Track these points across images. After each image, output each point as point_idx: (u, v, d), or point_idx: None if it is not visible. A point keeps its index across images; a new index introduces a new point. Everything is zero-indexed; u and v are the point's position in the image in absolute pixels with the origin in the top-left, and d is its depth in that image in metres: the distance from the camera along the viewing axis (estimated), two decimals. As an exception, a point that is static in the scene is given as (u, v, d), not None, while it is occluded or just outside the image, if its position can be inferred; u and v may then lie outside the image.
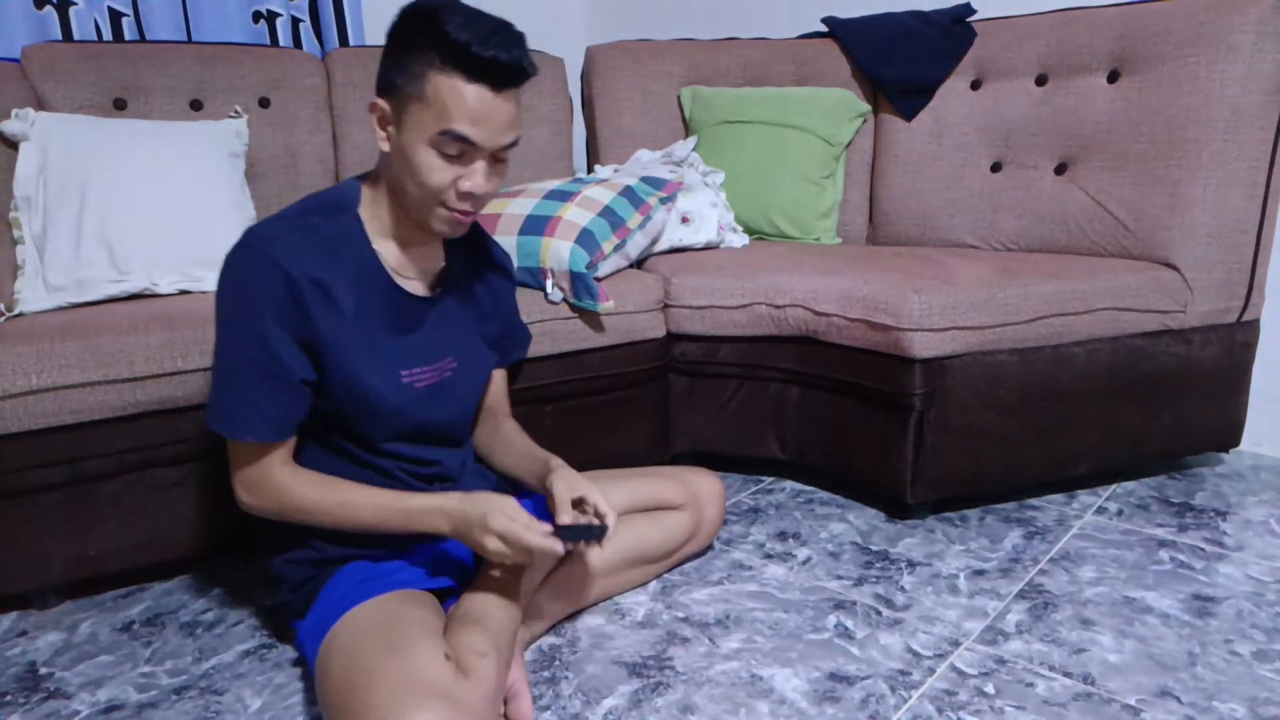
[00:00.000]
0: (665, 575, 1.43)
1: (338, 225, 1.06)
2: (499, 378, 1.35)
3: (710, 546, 1.53)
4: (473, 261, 1.23)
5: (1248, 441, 1.94)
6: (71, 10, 1.93)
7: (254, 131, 1.84)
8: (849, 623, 1.29)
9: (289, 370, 1.01)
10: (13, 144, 1.56)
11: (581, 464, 1.21)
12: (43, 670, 1.21)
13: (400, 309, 1.10)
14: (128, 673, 1.20)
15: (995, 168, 1.95)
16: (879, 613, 1.32)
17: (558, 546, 1.01)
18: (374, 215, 1.09)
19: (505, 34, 0.96)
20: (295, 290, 0.99)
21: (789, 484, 1.82)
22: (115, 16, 2.00)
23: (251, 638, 1.28)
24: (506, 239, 1.58)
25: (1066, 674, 1.15)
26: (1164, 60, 1.69)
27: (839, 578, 1.43)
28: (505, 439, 1.28)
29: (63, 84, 1.67)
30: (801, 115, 2.07)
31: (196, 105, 1.81)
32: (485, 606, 1.08)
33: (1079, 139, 1.80)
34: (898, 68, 2.05)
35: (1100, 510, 1.66)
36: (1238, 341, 1.71)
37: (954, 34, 2.00)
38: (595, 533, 1.06)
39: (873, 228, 2.16)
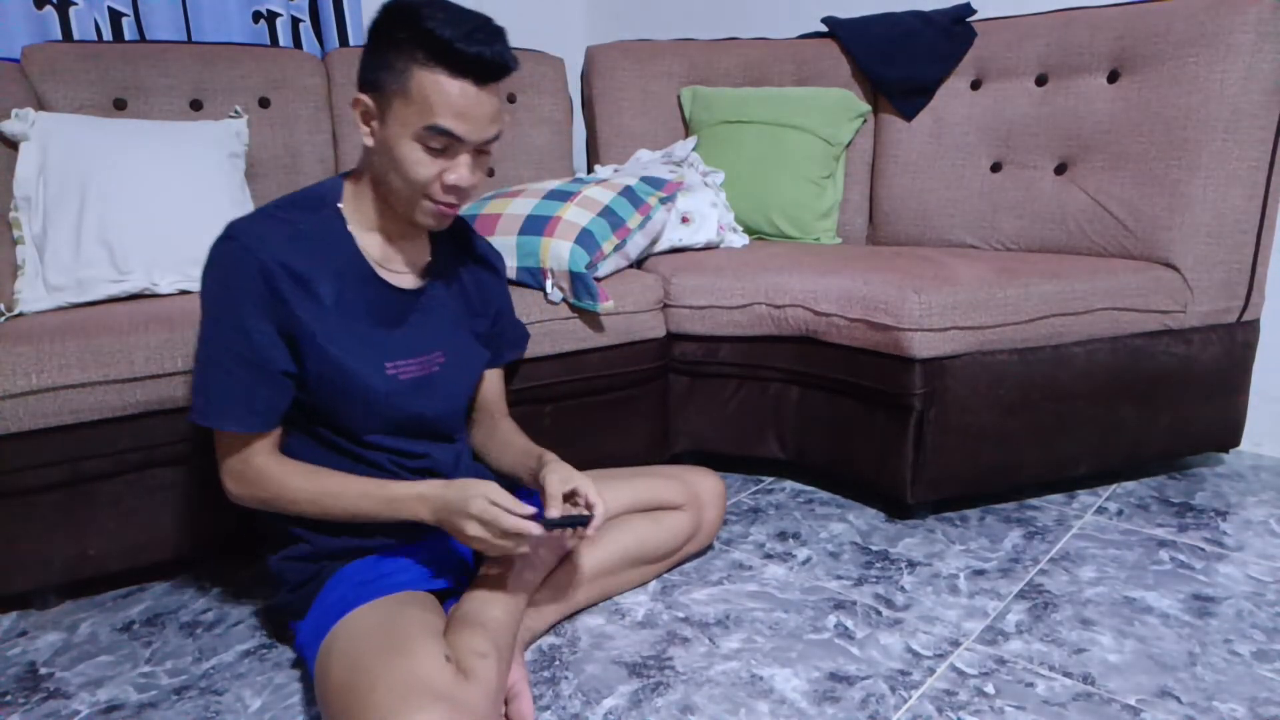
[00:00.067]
0: (665, 575, 1.43)
1: (319, 219, 1.08)
2: (495, 377, 1.35)
3: (710, 546, 1.53)
4: (460, 257, 1.24)
5: (1248, 441, 1.94)
6: (71, 10, 1.93)
7: (254, 131, 1.84)
8: (849, 623, 1.29)
9: (269, 361, 1.03)
10: (13, 144, 1.56)
11: (581, 464, 1.21)
12: (43, 670, 1.21)
13: (384, 301, 1.11)
14: (128, 673, 1.20)
15: (995, 168, 1.95)
16: (879, 613, 1.32)
17: (534, 528, 1.00)
18: (357, 209, 1.11)
19: (487, 30, 0.98)
20: (274, 281, 1.01)
21: (789, 484, 1.82)
22: (115, 16, 2.00)
23: (251, 638, 1.28)
24: (506, 239, 1.58)
25: (1066, 674, 1.16)
26: (1164, 60, 1.69)
27: (839, 578, 1.43)
28: (502, 438, 1.28)
29: (63, 84, 1.67)
30: (801, 115, 2.07)
31: (196, 105, 1.81)
32: (485, 607, 1.08)
33: (1079, 139, 1.80)
34: (898, 68, 2.05)
35: (1100, 510, 1.66)
36: (1238, 341, 1.71)
37: (954, 34, 2.01)
38: (581, 521, 1.06)
39: (873, 228, 2.16)
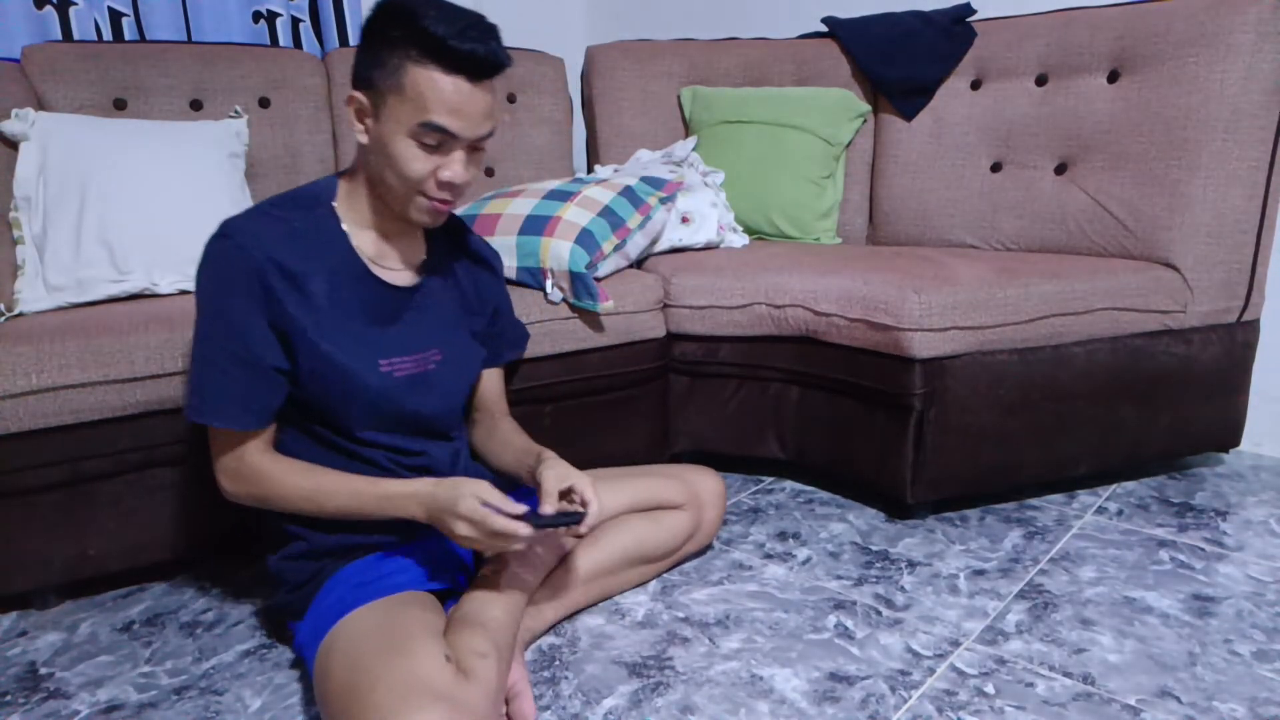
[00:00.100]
0: (665, 575, 1.43)
1: (312, 217, 1.09)
2: (495, 377, 1.35)
3: (710, 546, 1.53)
4: (456, 255, 1.24)
5: (1248, 441, 1.94)
6: (71, 10, 1.93)
7: (254, 131, 1.84)
8: (849, 623, 1.29)
9: (262, 358, 1.03)
10: (13, 144, 1.56)
11: (582, 464, 1.21)
12: (43, 670, 1.21)
13: (378, 299, 1.12)
14: (128, 673, 1.20)
15: (995, 168, 1.95)
16: (879, 613, 1.32)
17: (522, 529, 0.99)
18: (351, 207, 1.11)
19: (480, 27, 0.99)
20: (266, 278, 1.02)
21: (789, 484, 1.82)
22: (115, 16, 2.00)
23: (251, 638, 1.28)
24: (506, 239, 1.58)
25: (1066, 674, 1.15)
26: (1164, 60, 1.69)
27: (839, 578, 1.43)
28: (502, 437, 1.28)
29: (63, 84, 1.67)
30: (801, 115, 2.07)
31: (196, 105, 1.81)
32: (485, 607, 1.08)
33: (1079, 139, 1.80)
34: (898, 68, 2.05)
35: (1100, 510, 1.66)
36: (1238, 341, 1.71)
37: (954, 34, 2.01)
38: (574, 519, 1.05)
39: (873, 228, 2.16)
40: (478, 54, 0.98)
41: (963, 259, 1.72)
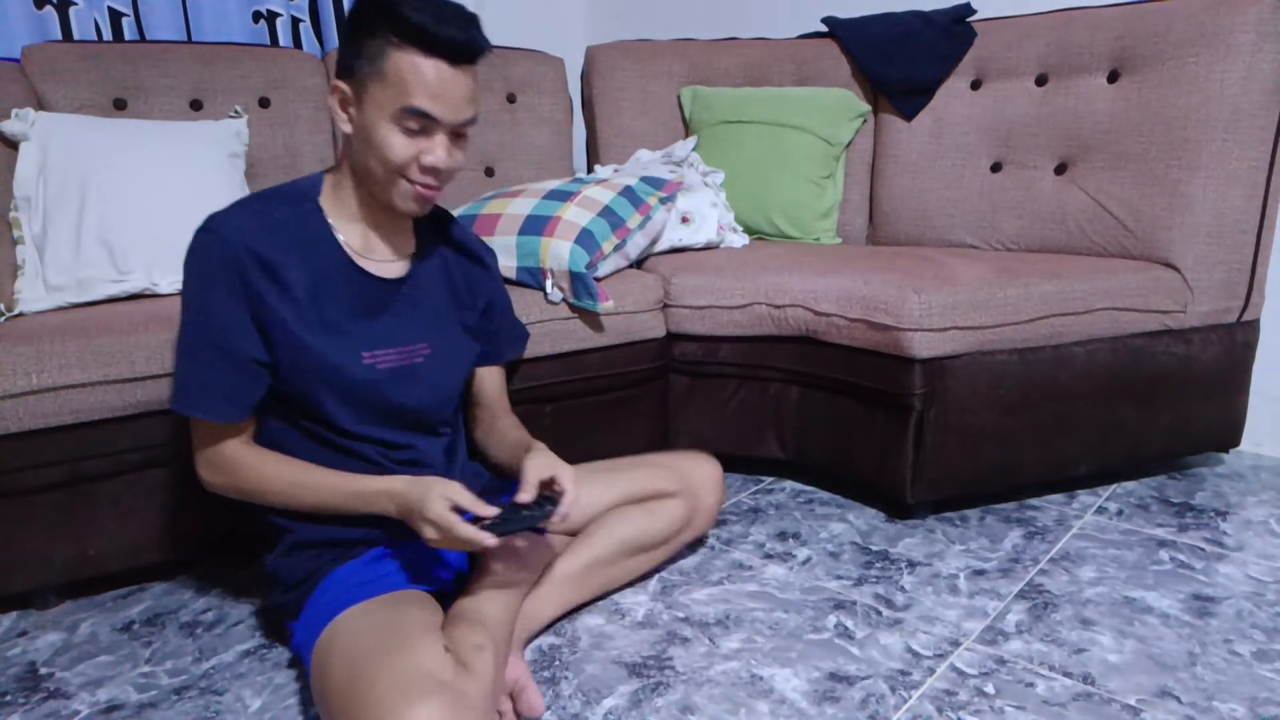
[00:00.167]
0: (665, 575, 1.43)
1: (297, 212, 1.10)
2: (495, 375, 1.35)
3: (704, 539, 1.53)
4: (448, 249, 1.25)
5: (1248, 441, 1.94)
6: (71, 10, 1.93)
7: (254, 131, 1.84)
8: (849, 623, 1.29)
9: (241, 350, 1.04)
10: (13, 144, 1.56)
11: (581, 463, 1.21)
12: (43, 670, 1.21)
13: (364, 291, 1.12)
14: (128, 673, 1.20)
15: (995, 168, 1.95)
16: (879, 613, 1.32)
17: (488, 540, 0.99)
18: (336, 201, 1.12)
19: (459, 13, 1.01)
20: (246, 270, 1.03)
21: (789, 484, 1.82)
22: (115, 16, 2.00)
23: (251, 638, 1.28)
24: (506, 239, 1.58)
25: (1066, 674, 1.15)
26: (1164, 60, 1.69)
27: (839, 578, 1.43)
28: (499, 433, 1.29)
29: (63, 84, 1.67)
30: (801, 115, 2.07)
31: (196, 105, 1.81)
32: (481, 605, 1.08)
33: (1079, 139, 1.80)
34: (898, 68, 2.05)
35: (1100, 510, 1.66)
36: (1238, 341, 1.71)
37: (954, 34, 2.01)
38: (547, 511, 1.05)
39: (873, 228, 2.16)
40: (457, 39, 0.99)
41: (963, 259, 1.73)
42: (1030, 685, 1.13)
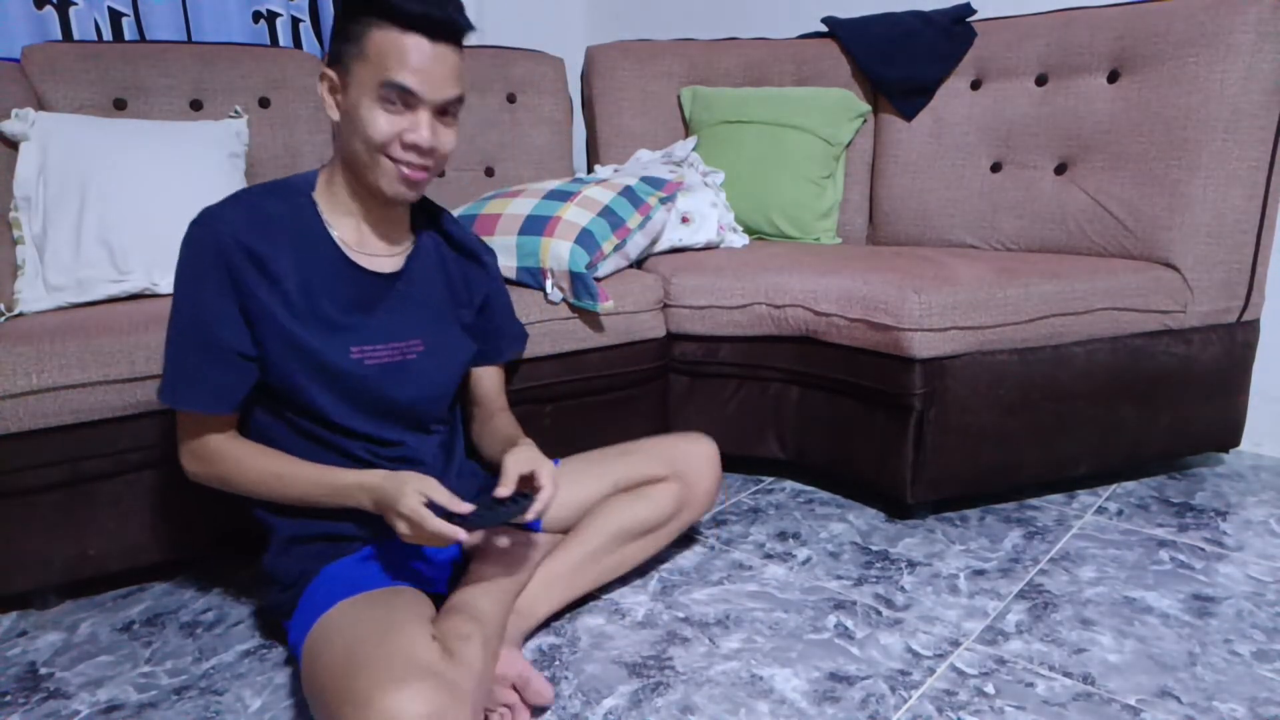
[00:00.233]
0: (665, 575, 1.43)
1: (291, 205, 1.10)
2: (493, 374, 1.35)
3: (704, 540, 1.53)
4: (445, 247, 1.25)
5: (1248, 441, 1.94)
6: (71, 10, 1.93)
7: (254, 131, 1.84)
8: (849, 623, 1.29)
9: (227, 343, 1.05)
10: (13, 144, 1.56)
11: (572, 455, 1.20)
12: (43, 670, 1.21)
13: (356, 286, 1.12)
14: (128, 673, 1.20)
15: (995, 168, 1.95)
16: (879, 613, 1.32)
17: (459, 534, 0.99)
18: (330, 195, 1.13)
19: None
20: (234, 263, 1.04)
21: (789, 484, 1.82)
22: (115, 16, 2.00)
23: (251, 638, 1.28)
24: (506, 239, 1.58)
25: (1066, 674, 1.16)
26: (1164, 60, 1.69)
27: (839, 578, 1.43)
28: (493, 430, 1.29)
29: (63, 84, 1.67)
30: (801, 115, 2.07)
31: (196, 105, 1.81)
32: (471, 598, 1.09)
33: (1079, 139, 1.80)
34: (898, 68, 2.05)
35: (1100, 510, 1.66)
36: (1238, 341, 1.71)
37: (954, 34, 2.01)
38: (522, 507, 1.05)
39: (873, 228, 2.16)
40: (433, 14, 1.00)
41: (963, 259, 1.73)
42: (1030, 685, 1.13)
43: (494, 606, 1.09)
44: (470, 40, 1.09)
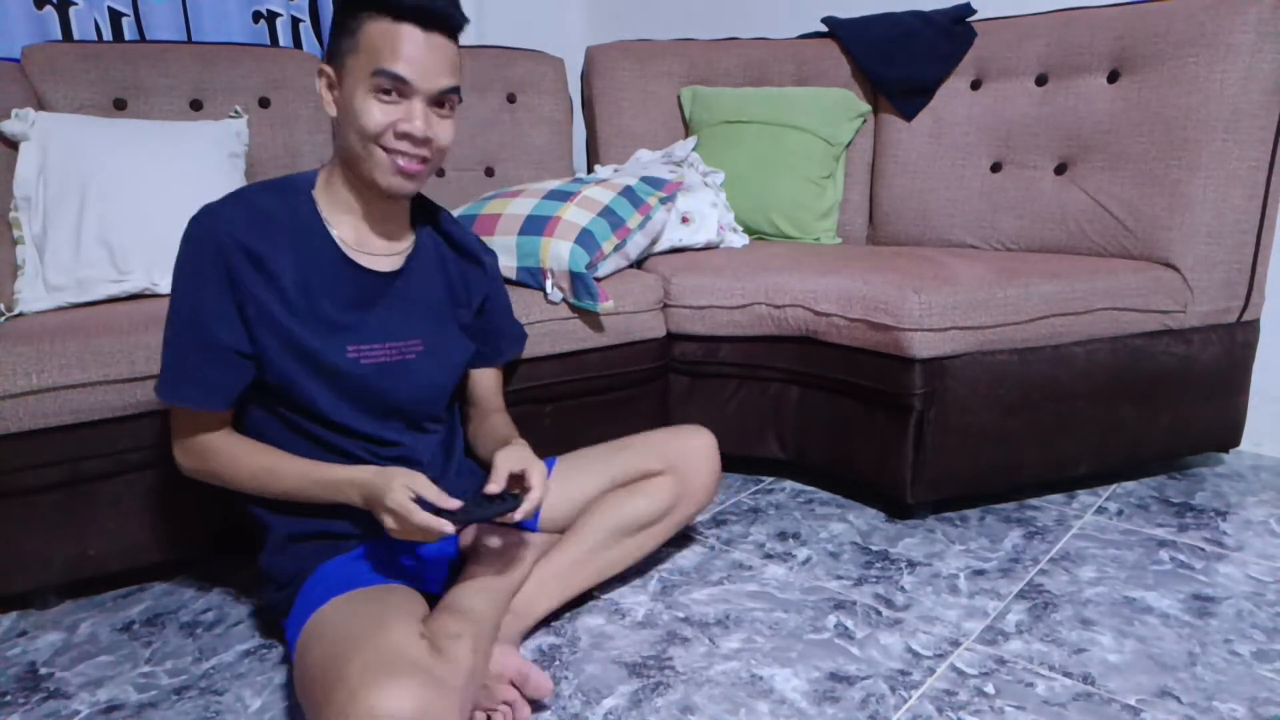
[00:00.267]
0: (665, 575, 1.43)
1: (289, 204, 1.11)
2: (491, 375, 1.36)
3: (704, 540, 1.53)
4: (446, 247, 1.25)
5: (1248, 441, 1.94)
6: (71, 10, 1.93)
7: (254, 131, 1.84)
8: (849, 623, 1.29)
9: (222, 340, 1.05)
10: (13, 144, 1.56)
11: (568, 452, 1.20)
12: (43, 670, 1.21)
13: (355, 284, 1.12)
14: (128, 673, 1.20)
15: (995, 168, 1.95)
16: (879, 613, 1.32)
17: (446, 526, 0.99)
18: (329, 194, 1.13)
19: None
20: (231, 260, 1.04)
21: (789, 484, 1.82)
22: (115, 16, 2.00)
23: (251, 638, 1.28)
24: (506, 239, 1.58)
25: (1066, 674, 1.16)
26: (1164, 60, 1.69)
27: (839, 578, 1.43)
28: (489, 430, 1.29)
29: (63, 84, 1.67)
30: (801, 115, 2.07)
31: (196, 105, 1.81)
32: (464, 597, 1.09)
33: (1079, 139, 1.80)
34: (898, 68, 2.05)
35: (1100, 510, 1.66)
36: (1238, 341, 1.71)
37: (954, 34, 2.01)
38: (510, 505, 1.05)
39: (873, 228, 2.16)
40: (426, 5, 1.01)
41: (963, 259, 1.73)
42: (1030, 685, 1.13)
43: (487, 606, 1.09)
44: (470, 40, 1.09)
